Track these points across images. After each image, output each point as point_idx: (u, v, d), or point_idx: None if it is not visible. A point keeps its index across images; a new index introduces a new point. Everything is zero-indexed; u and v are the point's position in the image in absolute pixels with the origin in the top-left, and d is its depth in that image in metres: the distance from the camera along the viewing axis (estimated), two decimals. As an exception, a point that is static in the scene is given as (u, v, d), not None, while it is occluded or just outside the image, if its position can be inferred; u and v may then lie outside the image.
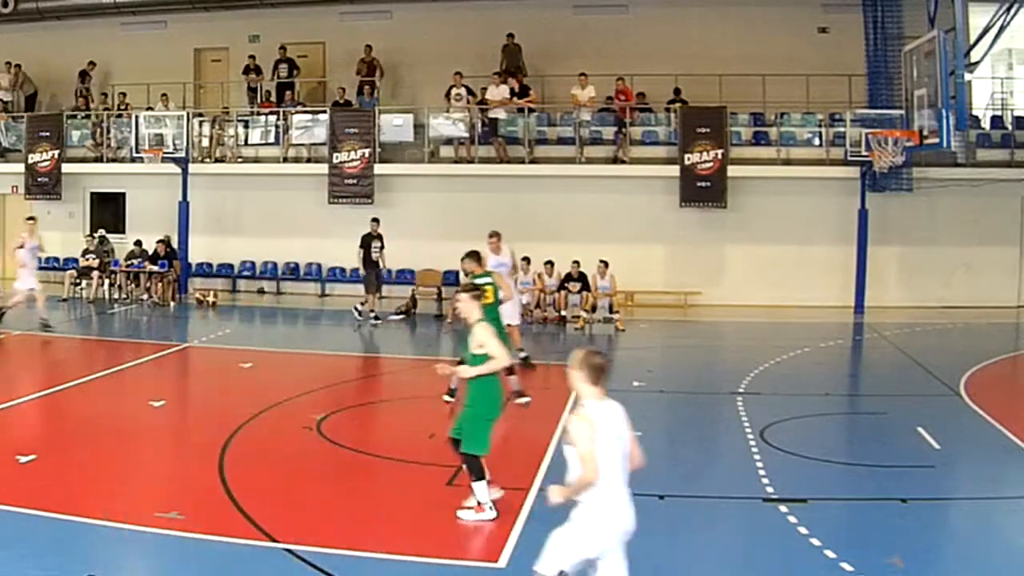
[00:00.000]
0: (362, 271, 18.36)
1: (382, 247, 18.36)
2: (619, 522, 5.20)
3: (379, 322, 17.90)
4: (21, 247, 16.74)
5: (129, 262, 20.62)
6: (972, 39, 15.05)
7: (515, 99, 21.03)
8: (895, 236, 20.06)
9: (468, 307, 7.70)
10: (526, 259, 18.57)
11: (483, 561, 6.58)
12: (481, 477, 7.38)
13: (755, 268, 20.24)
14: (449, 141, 21.60)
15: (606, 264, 18.29)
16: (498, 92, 21.00)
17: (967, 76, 15.18)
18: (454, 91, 21.10)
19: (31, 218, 17.63)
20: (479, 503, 7.37)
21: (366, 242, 18.26)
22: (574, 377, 5.09)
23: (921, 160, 18.83)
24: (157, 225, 21.51)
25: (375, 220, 18.58)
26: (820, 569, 6.56)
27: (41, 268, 23.17)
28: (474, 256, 11.07)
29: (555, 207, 20.51)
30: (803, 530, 7.23)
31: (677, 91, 21.22)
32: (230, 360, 14.34)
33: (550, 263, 18.71)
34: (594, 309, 18.12)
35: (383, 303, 20.32)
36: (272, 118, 22.65)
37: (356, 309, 18.31)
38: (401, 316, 18.70)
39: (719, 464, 9.07)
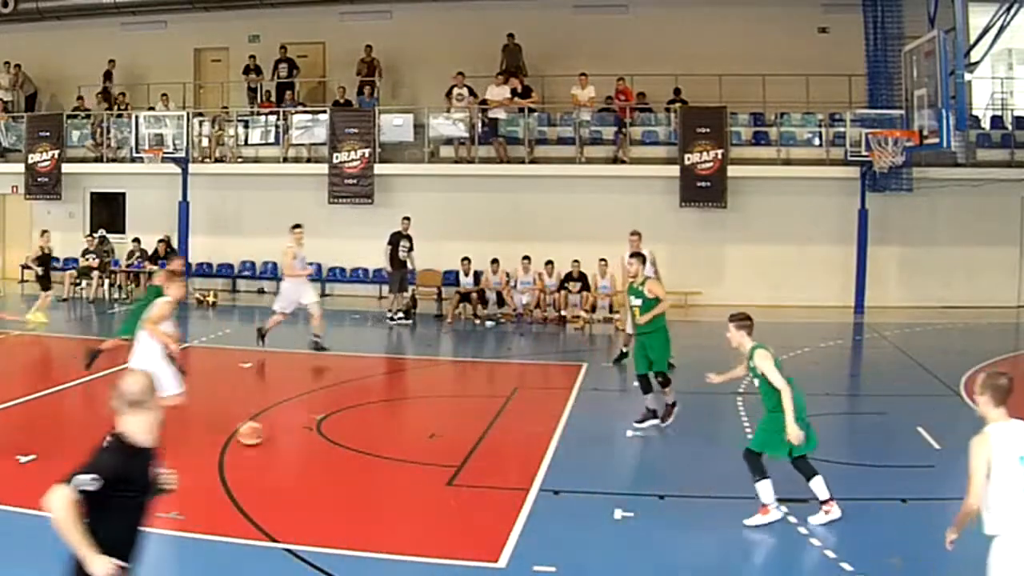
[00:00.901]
0: (389, 269, 18.21)
1: (411, 248, 18.29)
2: None
3: (395, 322, 17.89)
4: (294, 258, 14.83)
5: (129, 262, 20.63)
6: (972, 39, 15.05)
7: (517, 99, 21.05)
8: (895, 236, 20.06)
9: (736, 336, 7.58)
10: (526, 258, 18.60)
11: (483, 561, 6.57)
12: (763, 476, 7.33)
13: (755, 268, 20.24)
14: (449, 141, 21.60)
15: (606, 263, 18.29)
16: (499, 92, 21.00)
17: (967, 76, 15.19)
18: (456, 91, 21.10)
19: (297, 226, 15.15)
20: (764, 505, 7.35)
21: (394, 240, 18.20)
22: (980, 401, 4.96)
23: (921, 160, 18.82)
24: (157, 225, 21.53)
25: (406, 219, 18.46)
26: (820, 569, 6.57)
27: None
28: (641, 258, 10.71)
29: (555, 207, 20.50)
30: (803, 530, 7.23)
31: (677, 91, 21.22)
32: (230, 360, 14.34)
33: (550, 263, 18.69)
34: (594, 309, 18.13)
35: (383, 303, 20.34)
36: (272, 118, 22.65)
37: (388, 319, 18.15)
38: (401, 316, 18.69)
39: (719, 464, 9.06)
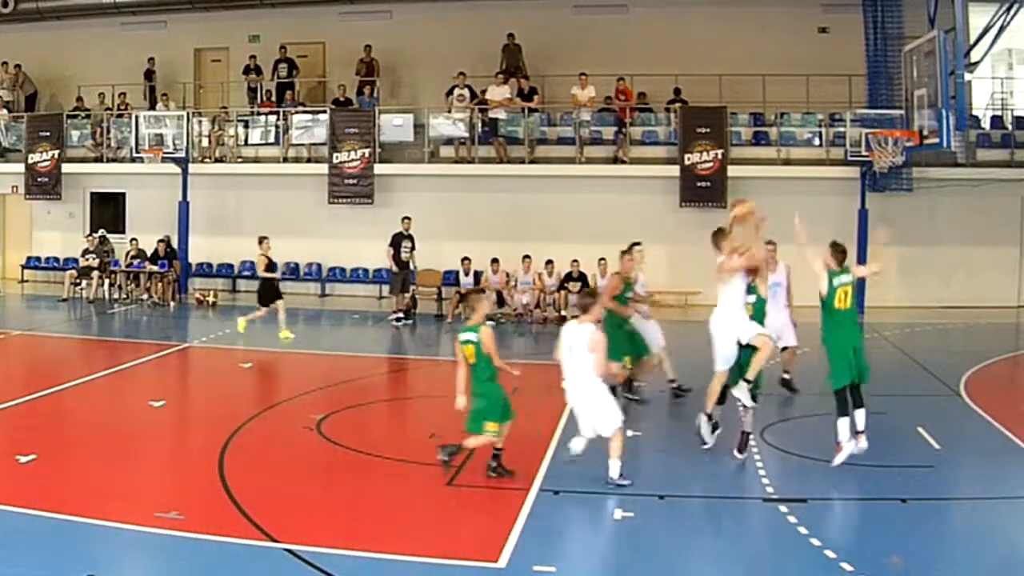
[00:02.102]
0: (394, 269, 18.10)
1: (413, 247, 18.25)
2: None
3: (400, 323, 17.85)
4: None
5: (129, 262, 20.62)
6: (972, 39, 15.04)
7: (521, 100, 21.06)
8: (895, 236, 19.95)
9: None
10: (527, 258, 18.60)
11: (483, 561, 6.58)
12: (843, 413, 8.36)
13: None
14: (449, 141, 21.59)
15: (606, 262, 18.26)
16: (499, 92, 21.01)
17: (967, 76, 15.17)
18: (456, 91, 21.10)
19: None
20: (839, 443, 8.31)
21: (396, 241, 18.16)
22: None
23: (921, 160, 18.81)
24: (157, 225, 21.52)
25: (406, 218, 18.41)
26: (820, 569, 6.56)
27: (45, 268, 23.50)
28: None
29: (555, 207, 20.50)
30: (803, 530, 7.23)
31: (677, 91, 21.23)
32: (230, 360, 14.34)
33: (550, 262, 18.69)
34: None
35: (382, 303, 20.35)
36: (272, 118, 22.65)
37: (395, 320, 18.05)
38: (401, 317, 18.69)
39: (719, 464, 9.06)
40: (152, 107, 22.91)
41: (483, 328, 8.25)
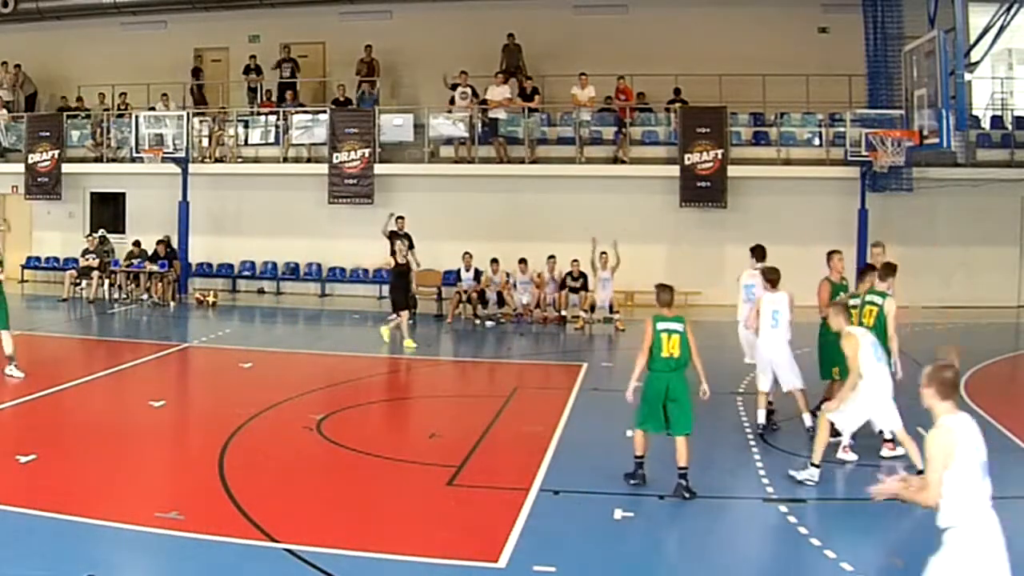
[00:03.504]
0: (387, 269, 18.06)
1: (411, 246, 18.12)
2: (991, 541, 4.90)
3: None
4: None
5: (129, 262, 20.61)
6: (972, 39, 15.04)
7: (522, 101, 21.06)
8: (895, 236, 19.88)
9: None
10: (523, 261, 18.54)
11: (483, 561, 6.58)
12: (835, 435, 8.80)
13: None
14: (449, 141, 21.59)
15: (606, 256, 18.23)
16: (499, 92, 21.01)
17: (967, 76, 15.18)
18: (459, 90, 21.10)
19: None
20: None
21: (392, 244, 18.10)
22: (926, 395, 4.87)
23: (921, 160, 18.80)
24: (157, 225, 21.51)
25: (400, 218, 18.30)
26: (820, 569, 6.57)
27: (45, 268, 23.53)
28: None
29: (555, 207, 20.50)
30: (803, 530, 7.23)
31: (677, 91, 21.22)
32: (230, 360, 14.34)
33: (552, 258, 18.57)
34: (593, 309, 18.10)
35: (382, 303, 20.31)
36: (272, 118, 22.65)
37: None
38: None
39: (719, 464, 9.07)
40: (195, 105, 22.83)
41: (688, 321, 8.27)
